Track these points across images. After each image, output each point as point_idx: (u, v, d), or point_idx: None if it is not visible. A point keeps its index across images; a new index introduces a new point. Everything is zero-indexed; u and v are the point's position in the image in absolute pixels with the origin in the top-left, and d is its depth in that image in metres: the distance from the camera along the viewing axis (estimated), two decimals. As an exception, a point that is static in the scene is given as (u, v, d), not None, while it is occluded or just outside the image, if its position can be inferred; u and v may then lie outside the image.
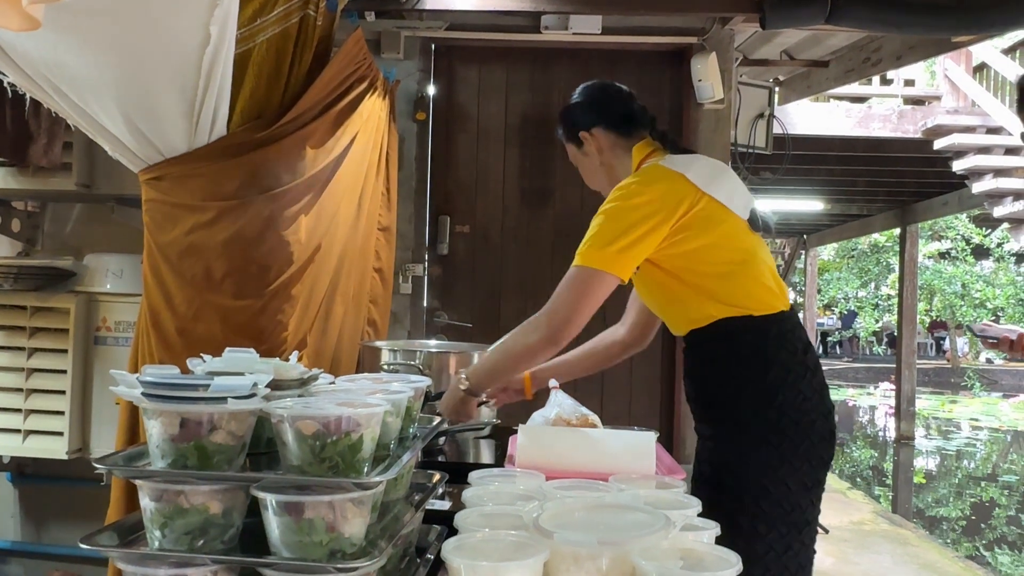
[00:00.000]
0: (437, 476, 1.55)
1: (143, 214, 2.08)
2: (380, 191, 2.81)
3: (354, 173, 2.50)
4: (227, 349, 1.32)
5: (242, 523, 1.11)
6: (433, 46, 3.58)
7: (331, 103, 2.31)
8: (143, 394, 1.06)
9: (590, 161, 1.98)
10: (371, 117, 2.59)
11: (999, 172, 6.18)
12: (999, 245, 17.47)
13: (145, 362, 2.07)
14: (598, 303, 1.69)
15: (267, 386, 1.16)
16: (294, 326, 2.20)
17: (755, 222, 1.81)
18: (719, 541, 1.47)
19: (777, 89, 4.88)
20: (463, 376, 1.85)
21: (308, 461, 1.07)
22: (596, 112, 1.97)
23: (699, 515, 1.34)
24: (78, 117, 1.92)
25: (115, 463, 1.12)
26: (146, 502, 1.08)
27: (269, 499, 1.04)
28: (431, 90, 3.56)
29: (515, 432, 1.76)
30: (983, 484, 8.93)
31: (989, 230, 16.95)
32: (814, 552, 1.75)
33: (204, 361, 1.29)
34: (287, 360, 1.37)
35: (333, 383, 1.43)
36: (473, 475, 1.46)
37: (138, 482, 1.08)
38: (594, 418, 1.93)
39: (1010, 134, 6.17)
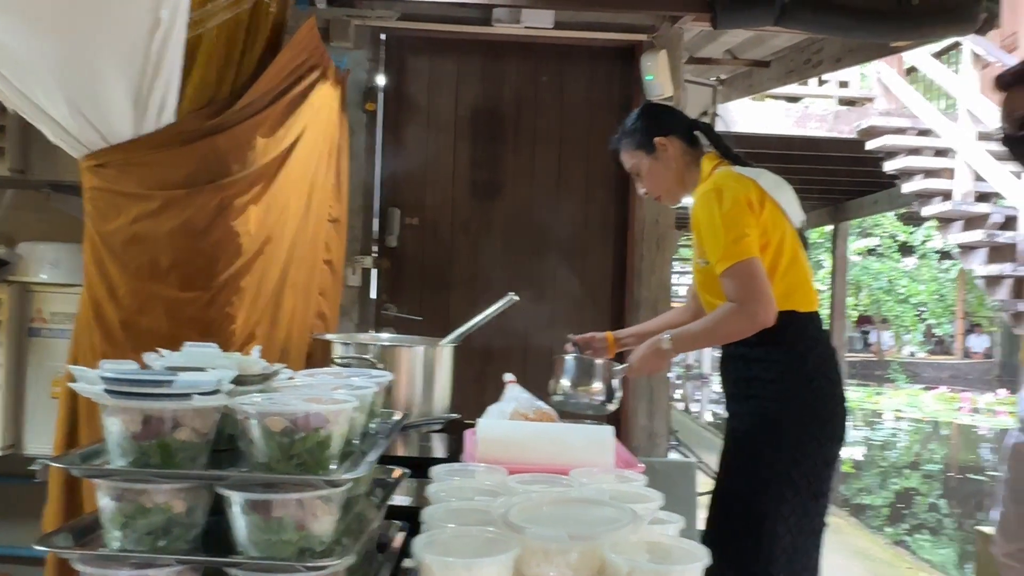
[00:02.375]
0: (398, 472, 1.54)
1: (84, 202, 2.02)
2: (331, 182, 2.77)
3: (305, 163, 2.46)
4: (186, 344, 1.29)
5: (206, 522, 1.09)
6: (384, 36, 3.54)
7: (283, 91, 2.26)
8: (105, 390, 1.03)
9: (662, 167, 2.15)
10: (322, 107, 2.55)
11: (928, 173, 6.41)
12: (923, 242, 18.19)
13: (87, 356, 2.00)
14: (766, 281, 1.92)
15: (231, 382, 1.14)
16: (243, 319, 2.16)
17: (802, 233, 2.09)
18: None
19: (719, 88, 4.97)
20: (667, 336, 2.03)
21: (276, 458, 1.05)
22: (668, 122, 2.18)
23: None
24: (18, 101, 1.84)
25: (72, 462, 1.09)
26: (105, 502, 1.04)
27: (236, 497, 1.02)
28: (381, 81, 3.52)
29: (470, 426, 1.76)
30: (906, 472, 9.30)
31: (914, 228, 17.61)
32: (825, 523, 2.03)
33: (161, 356, 1.26)
34: (247, 354, 1.34)
35: (293, 378, 1.41)
36: (435, 470, 1.45)
37: (96, 481, 1.05)
38: (552, 412, 1.95)
39: (938, 136, 6.41)
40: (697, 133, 2.19)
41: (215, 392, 1.09)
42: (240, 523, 1.03)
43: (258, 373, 1.26)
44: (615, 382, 2.13)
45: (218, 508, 1.07)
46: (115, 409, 1.04)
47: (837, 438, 2.01)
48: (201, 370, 1.14)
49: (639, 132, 2.17)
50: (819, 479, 1.97)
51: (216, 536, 1.08)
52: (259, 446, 1.06)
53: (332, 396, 1.19)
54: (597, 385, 2.11)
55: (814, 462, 1.96)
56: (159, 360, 1.24)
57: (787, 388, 1.97)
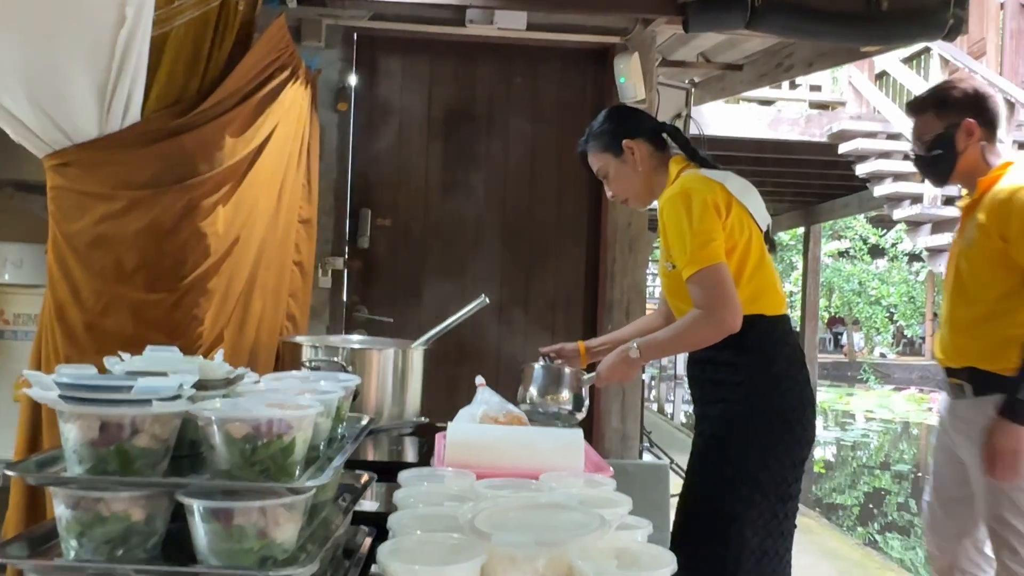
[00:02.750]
0: (365, 477, 1.53)
1: (48, 202, 1.98)
2: (301, 183, 2.75)
3: (274, 164, 2.44)
4: (148, 347, 1.27)
5: (166, 530, 1.07)
6: (355, 35, 3.52)
7: (252, 91, 2.24)
8: (60, 396, 1.00)
9: (629, 169, 2.15)
10: (292, 106, 2.53)
11: (898, 176, 6.50)
12: (893, 245, 18.44)
13: (50, 359, 1.97)
14: (733, 287, 1.93)
15: (192, 386, 1.12)
16: (210, 321, 2.13)
17: (768, 236, 2.10)
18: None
19: (693, 90, 5.00)
20: (635, 345, 2.04)
21: (238, 465, 1.04)
22: (636, 124, 2.17)
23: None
24: (-22, 98, 1.80)
25: (27, 469, 1.06)
26: (61, 510, 1.02)
27: (196, 505, 1.01)
28: (353, 80, 3.49)
29: (440, 430, 1.75)
30: (876, 473, 9.42)
31: (885, 231, 17.86)
32: (795, 525, 2.05)
33: (122, 360, 1.23)
34: (211, 357, 1.32)
35: (259, 382, 1.40)
36: (403, 475, 1.44)
37: (53, 489, 1.03)
38: (522, 416, 1.94)
39: (908, 141, 6.50)
40: (665, 136, 2.19)
41: (176, 397, 1.07)
42: (200, 531, 1.01)
43: (221, 377, 1.24)
44: (584, 391, 2.15)
45: (179, 516, 1.05)
46: (71, 415, 1.02)
47: (806, 441, 2.02)
48: (162, 375, 1.12)
49: (606, 134, 2.16)
50: (787, 482, 1.98)
51: (176, 545, 1.06)
52: (220, 453, 1.05)
53: (296, 401, 1.17)
54: (565, 394, 2.12)
55: (782, 465, 1.97)
56: (119, 364, 1.21)
57: (755, 391, 1.98)
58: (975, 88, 2.29)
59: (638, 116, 2.24)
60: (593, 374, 2.13)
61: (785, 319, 2.08)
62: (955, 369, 2.24)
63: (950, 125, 2.23)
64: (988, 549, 2.27)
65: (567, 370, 2.15)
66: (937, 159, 2.27)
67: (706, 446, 2.05)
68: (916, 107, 2.36)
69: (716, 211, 1.96)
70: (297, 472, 1.10)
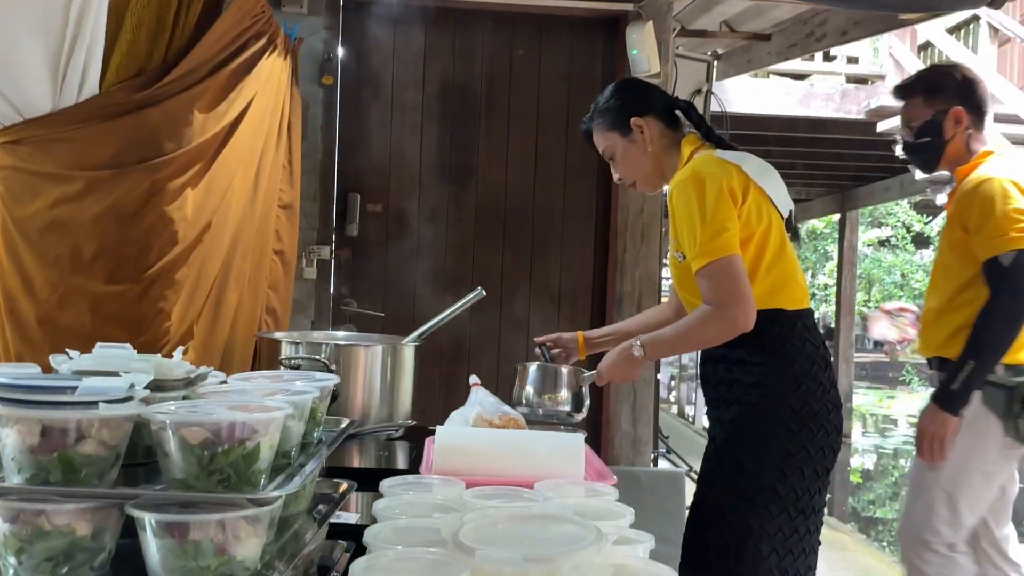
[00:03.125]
0: (344, 485, 1.52)
1: (-2, 184, 1.97)
2: (281, 163, 2.74)
3: (250, 142, 2.43)
4: (98, 344, 1.25)
5: (115, 546, 1.06)
6: (342, 1, 3.50)
7: (223, 61, 2.24)
8: (-4, 397, 0.99)
9: (637, 150, 2.13)
10: (270, 79, 2.52)
11: (942, 158, 6.44)
12: (939, 233, 18.31)
13: (-1, 356, 1.97)
14: (746, 281, 1.92)
15: (146, 387, 1.11)
16: (178, 315, 2.14)
17: (790, 223, 2.09)
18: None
19: (715, 63, 4.96)
20: (638, 343, 2.03)
21: (194, 474, 1.02)
22: (646, 101, 2.15)
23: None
24: (-80, 69, 1.79)
25: (-40, 478, 1.05)
26: (-1, 524, 1.01)
27: (148, 519, 0.99)
28: (340, 52, 3.48)
29: (432, 433, 1.74)
30: (919, 483, 9.36)
31: (930, 218, 17.75)
32: (819, 542, 2.02)
33: (70, 358, 1.22)
34: (170, 355, 1.31)
35: (225, 382, 1.39)
36: (385, 483, 1.43)
37: (-11, 500, 1.01)
38: (519, 418, 1.93)
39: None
40: (678, 113, 2.16)
41: (126, 399, 1.05)
42: (152, 547, 1.00)
43: (180, 377, 1.23)
44: (583, 390, 2.14)
45: (130, 531, 1.04)
46: (9, 419, 1.00)
47: (830, 448, 1.98)
48: (113, 374, 1.11)
49: (613, 111, 2.14)
50: (808, 493, 1.95)
51: (126, 563, 1.05)
52: (175, 460, 1.03)
53: (263, 403, 1.15)
54: (563, 393, 2.11)
55: (802, 475, 1.94)
56: (66, 363, 1.20)
57: (771, 393, 1.95)
58: (964, 74, 2.44)
59: (649, 91, 2.22)
60: (593, 372, 2.12)
61: (807, 314, 2.06)
62: (928, 359, 2.49)
63: (938, 112, 2.40)
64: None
65: (564, 369, 2.14)
66: (924, 146, 2.45)
67: (718, 452, 2.02)
68: (904, 91, 2.51)
69: (731, 197, 1.93)
70: (263, 481, 1.08)
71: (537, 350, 2.28)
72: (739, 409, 1.98)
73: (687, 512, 2.14)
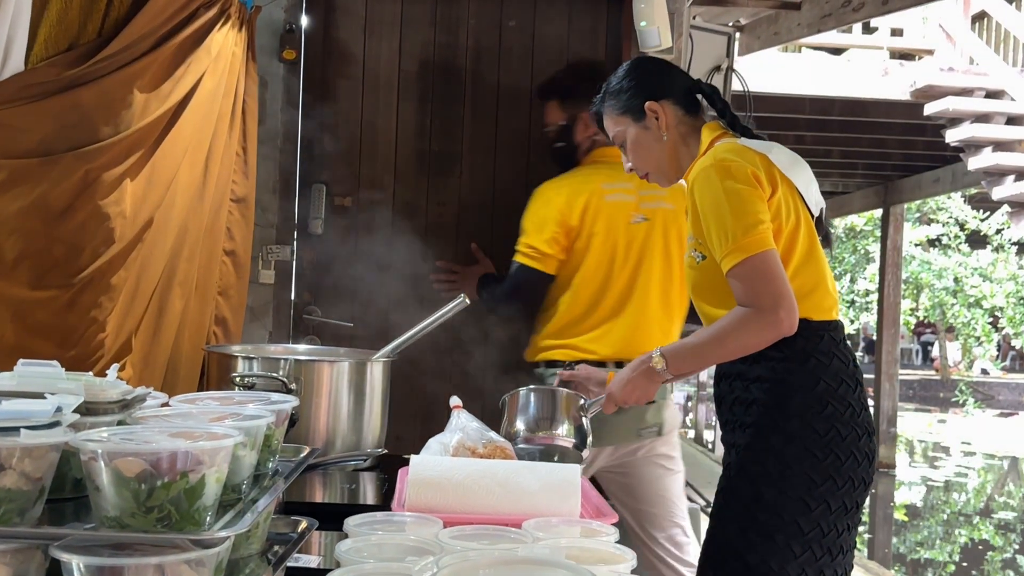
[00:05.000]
0: (303, 524, 1.54)
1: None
2: (234, 151, 2.76)
3: (199, 126, 2.45)
4: (21, 360, 1.27)
5: (39, 592, 1.07)
6: (306, -36, 3.52)
7: (168, 33, 2.25)
8: (-100, 423, 1.01)
9: (651, 137, 2.18)
10: (222, 54, 2.54)
11: (999, 145, 6.49)
12: (998, 232, 18.39)
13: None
14: (786, 279, 1.95)
15: (76, 411, 1.13)
16: (114, 325, 2.15)
17: (820, 223, 2.12)
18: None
19: (738, 36, 5.00)
20: (657, 354, 2.05)
21: (130, 511, 1.04)
22: (663, 83, 2.20)
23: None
24: None
25: None
26: (-95, 567, 1.02)
27: (76, 562, 1.01)
28: (304, 22, 3.49)
29: (406, 463, 1.75)
30: (976, 521, 9.42)
31: (987, 213, 17.82)
32: None
33: (-12, 377, 1.24)
34: (104, 373, 1.33)
35: (167, 405, 1.40)
36: (350, 521, 1.45)
37: None
38: (506, 446, 1.95)
39: (1013, 99, 6.49)
40: (699, 97, 2.21)
41: (52, 425, 1.07)
42: (81, 594, 1.01)
43: (115, 400, 1.25)
44: (585, 421, 2.15)
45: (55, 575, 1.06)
46: (-84, 447, 1.02)
47: (859, 480, 2.00)
48: (37, 396, 1.12)
49: (625, 94, 2.19)
50: (836, 530, 1.97)
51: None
52: (108, 495, 1.04)
53: (209, 429, 1.17)
54: (563, 428, 2.12)
55: (828, 508, 1.95)
56: (-17, 383, 1.22)
57: (794, 415, 1.98)
58: None
59: (667, 72, 2.28)
60: (600, 398, 2.14)
61: (836, 326, 2.09)
62: None
63: None
64: None
65: (562, 391, 2.15)
66: None
67: (733, 482, 2.05)
68: (539, 94, 2.70)
69: (760, 187, 1.98)
70: (208, 519, 1.10)
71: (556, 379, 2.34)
72: (755, 432, 2.01)
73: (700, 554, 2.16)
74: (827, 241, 2.16)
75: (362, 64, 3.60)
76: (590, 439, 2.16)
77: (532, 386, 2.23)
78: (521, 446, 2.10)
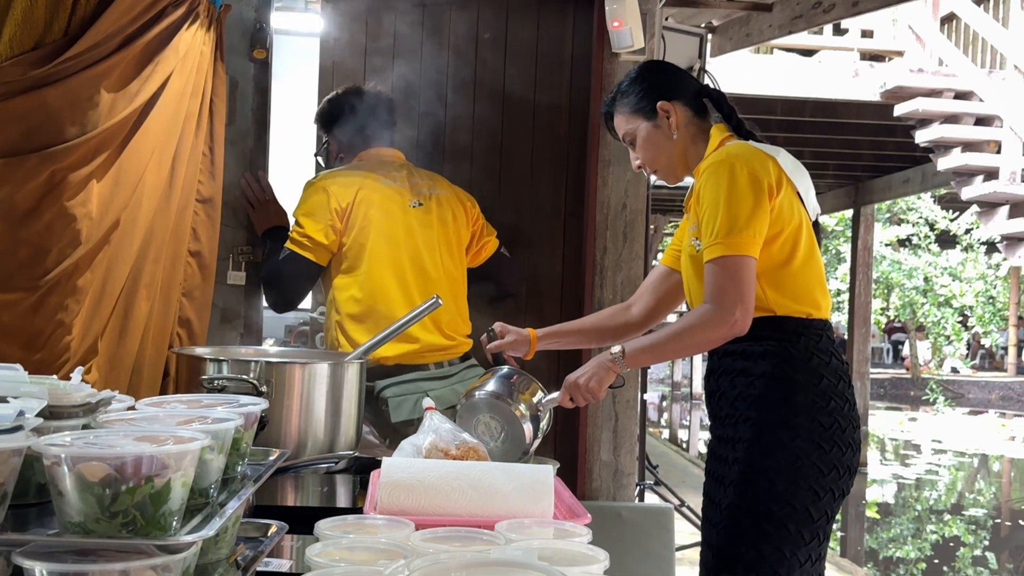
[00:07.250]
0: (273, 527, 1.53)
1: None
2: (201, 151, 2.73)
3: (166, 127, 2.43)
4: (-18, 364, 1.25)
5: (1, 601, 1.06)
6: (277, -37, 3.50)
7: (136, 33, 2.24)
8: None
9: (662, 136, 2.28)
10: (190, 53, 2.52)
11: (968, 146, 6.57)
12: (968, 232, 18.60)
13: None
14: (753, 285, 2.06)
15: (39, 414, 1.11)
16: (81, 328, 2.14)
17: (816, 226, 2.23)
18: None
19: (710, 37, 5.03)
20: (618, 349, 2.13)
21: (94, 517, 1.03)
22: (675, 85, 2.32)
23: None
24: None
25: None
26: None
27: (39, 569, 1.00)
28: (274, 20, 3.47)
29: (378, 465, 1.75)
30: (947, 519, 9.51)
31: (957, 213, 18.01)
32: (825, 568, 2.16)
33: (-51, 381, 1.22)
34: (68, 377, 1.31)
35: (133, 408, 1.38)
36: (321, 525, 1.44)
37: None
38: (479, 447, 1.94)
39: (981, 100, 6.56)
40: (706, 102, 2.31)
41: (14, 429, 1.05)
42: (44, 602, 1.00)
43: (79, 403, 1.23)
44: (543, 418, 2.17)
45: (20, 582, 1.04)
46: None
47: (852, 467, 2.13)
48: (1, 400, 1.11)
49: (639, 94, 2.30)
50: (829, 517, 2.09)
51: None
52: (71, 501, 1.03)
53: (175, 433, 1.16)
54: (522, 407, 2.15)
55: (833, 496, 2.08)
56: (-56, 386, 1.20)
57: (801, 410, 2.08)
58: None
59: (678, 75, 2.39)
60: (556, 394, 2.18)
61: (830, 326, 2.21)
62: None
63: None
64: None
65: (524, 379, 2.20)
66: None
67: (747, 476, 2.09)
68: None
69: (768, 191, 2.07)
70: (174, 524, 1.09)
71: (484, 336, 2.41)
72: (761, 427, 2.09)
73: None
74: (819, 242, 2.26)
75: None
76: (543, 430, 2.19)
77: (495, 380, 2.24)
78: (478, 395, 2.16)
